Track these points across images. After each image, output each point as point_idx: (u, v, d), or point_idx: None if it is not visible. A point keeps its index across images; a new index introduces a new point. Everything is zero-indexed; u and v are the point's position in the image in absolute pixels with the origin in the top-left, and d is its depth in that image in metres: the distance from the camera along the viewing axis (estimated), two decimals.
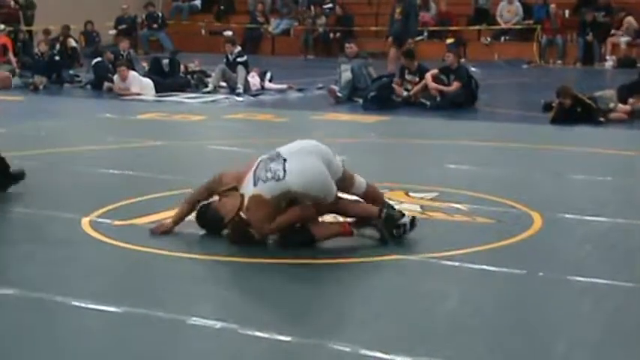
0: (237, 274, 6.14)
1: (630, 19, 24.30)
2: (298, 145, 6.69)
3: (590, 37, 24.52)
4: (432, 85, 15.57)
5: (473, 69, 16.19)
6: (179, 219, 6.86)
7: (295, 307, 5.54)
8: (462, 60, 18.98)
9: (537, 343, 4.86)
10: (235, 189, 6.60)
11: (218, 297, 5.72)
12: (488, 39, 26.19)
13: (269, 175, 6.40)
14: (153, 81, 17.69)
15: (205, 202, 6.83)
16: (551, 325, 5.18)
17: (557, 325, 5.20)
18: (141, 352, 4.78)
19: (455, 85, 15.49)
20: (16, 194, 8.24)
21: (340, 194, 6.76)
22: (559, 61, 25.03)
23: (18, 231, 7.23)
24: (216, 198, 6.80)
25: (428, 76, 15.77)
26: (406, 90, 15.84)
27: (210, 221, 6.74)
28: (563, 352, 4.76)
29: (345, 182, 6.76)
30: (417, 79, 15.89)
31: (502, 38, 26.15)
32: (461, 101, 15.39)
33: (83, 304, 5.42)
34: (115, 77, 17.78)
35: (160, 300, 5.54)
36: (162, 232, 6.80)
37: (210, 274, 6.16)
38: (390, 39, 18.33)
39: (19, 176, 8.29)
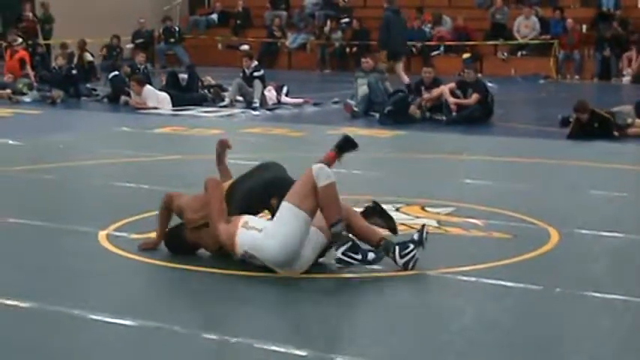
0: (254, 288, 6.12)
1: None
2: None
3: (607, 52, 24.47)
4: (451, 99, 15.57)
5: (489, 84, 16.16)
6: (162, 231, 6.85)
7: (310, 322, 5.54)
8: (479, 75, 18.97)
9: (553, 359, 4.85)
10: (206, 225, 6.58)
11: (234, 311, 5.72)
12: (505, 54, 26.15)
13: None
14: (170, 95, 17.73)
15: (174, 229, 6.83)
16: (567, 341, 5.17)
17: (574, 341, 5.19)
18: None
19: (474, 97, 15.46)
20: (33, 207, 8.27)
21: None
22: (576, 76, 24.96)
23: (35, 244, 7.25)
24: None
25: (446, 89, 15.75)
26: (420, 109, 15.81)
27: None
28: None
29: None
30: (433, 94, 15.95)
31: (519, 53, 26.10)
32: (478, 116, 15.37)
33: (100, 318, 5.44)
34: (132, 91, 17.84)
35: (177, 314, 5.55)
36: (149, 247, 6.80)
37: (227, 288, 6.16)
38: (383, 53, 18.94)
39: None
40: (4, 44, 22.92)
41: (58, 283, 6.16)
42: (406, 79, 18.18)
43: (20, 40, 22.60)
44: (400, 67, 19.04)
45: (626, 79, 23.76)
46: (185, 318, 5.47)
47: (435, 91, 15.92)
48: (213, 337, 5.12)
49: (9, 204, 8.09)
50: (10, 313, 5.62)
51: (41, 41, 25.32)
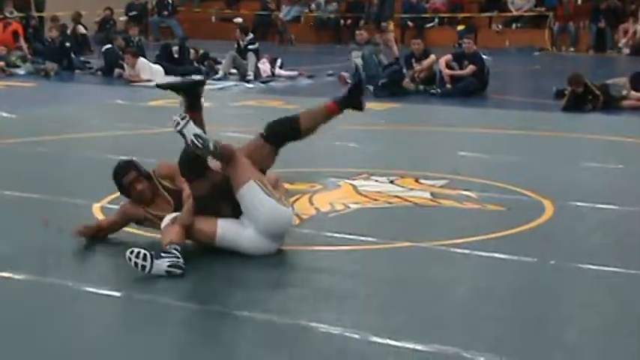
0: (249, 265, 6.11)
1: None
2: None
3: (602, 24, 24.41)
4: (446, 71, 15.55)
5: (484, 56, 16.14)
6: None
7: (307, 293, 5.53)
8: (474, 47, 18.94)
9: (548, 332, 4.85)
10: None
11: (229, 286, 5.71)
12: (500, 26, 26.09)
13: None
14: (163, 67, 17.69)
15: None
16: (562, 313, 5.17)
17: (569, 313, 5.19)
18: (146, 336, 4.79)
19: (470, 68, 15.44)
20: (27, 180, 8.25)
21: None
22: (571, 49, 24.92)
23: (29, 217, 7.23)
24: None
25: (441, 61, 15.74)
26: (413, 81, 15.80)
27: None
28: (574, 340, 4.75)
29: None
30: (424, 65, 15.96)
31: (513, 25, 26.05)
32: (473, 88, 15.35)
33: (94, 289, 5.44)
34: (126, 64, 17.79)
35: (172, 286, 5.55)
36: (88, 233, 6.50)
37: (221, 263, 6.14)
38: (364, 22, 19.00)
39: None
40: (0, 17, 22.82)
41: (52, 255, 6.14)
42: (396, 51, 18.12)
43: (14, 12, 22.51)
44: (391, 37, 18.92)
45: (626, 51, 23.70)
46: (179, 290, 5.47)
47: (426, 62, 15.93)
48: (209, 308, 5.12)
49: (2, 176, 8.06)
50: (4, 285, 5.62)
51: (34, 14, 25.20)
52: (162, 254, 5.72)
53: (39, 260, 6.07)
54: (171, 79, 6.00)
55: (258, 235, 6.01)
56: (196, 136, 5.85)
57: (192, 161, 6.05)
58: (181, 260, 5.72)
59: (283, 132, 6.28)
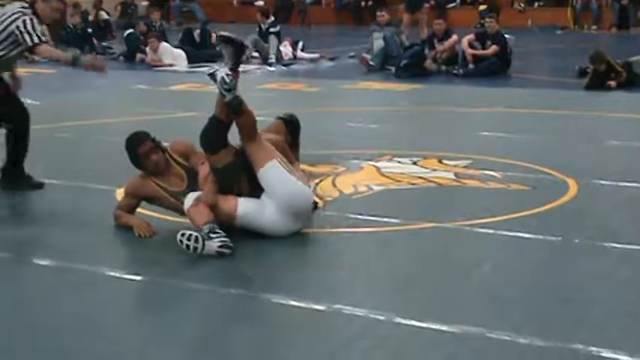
0: (280, 244, 6.12)
1: None
2: None
3: (625, 1, 24.23)
4: (469, 50, 15.51)
5: (507, 36, 16.07)
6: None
7: (326, 275, 5.54)
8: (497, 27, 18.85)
9: (573, 311, 4.84)
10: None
11: (253, 268, 5.73)
12: (522, 5, 25.96)
13: None
14: (185, 52, 17.71)
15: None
16: (587, 292, 5.16)
17: (593, 292, 5.17)
18: (169, 319, 4.81)
19: (492, 48, 15.39)
20: (51, 166, 8.28)
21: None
22: (594, 27, 24.76)
23: (54, 203, 7.27)
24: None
25: (464, 41, 15.69)
26: (435, 61, 15.77)
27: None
28: (599, 319, 4.73)
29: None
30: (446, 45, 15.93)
31: (535, 4, 25.92)
32: (495, 69, 15.29)
33: (117, 274, 5.47)
34: (148, 49, 17.82)
35: (193, 270, 5.57)
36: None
37: (250, 245, 6.16)
38: (403, 5, 18.55)
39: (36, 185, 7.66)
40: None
41: (77, 241, 6.18)
42: (409, 32, 17.98)
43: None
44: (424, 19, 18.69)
45: None
46: (201, 274, 5.49)
47: (448, 42, 15.92)
48: (232, 291, 5.14)
49: (26, 163, 8.06)
50: (29, 270, 5.66)
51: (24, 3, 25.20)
52: (212, 235, 5.75)
53: (61, 246, 6.11)
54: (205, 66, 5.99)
55: (280, 213, 6.03)
56: (227, 74, 5.92)
57: (214, 133, 6.08)
58: (229, 240, 5.75)
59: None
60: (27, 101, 7.96)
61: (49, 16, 7.45)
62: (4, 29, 7.23)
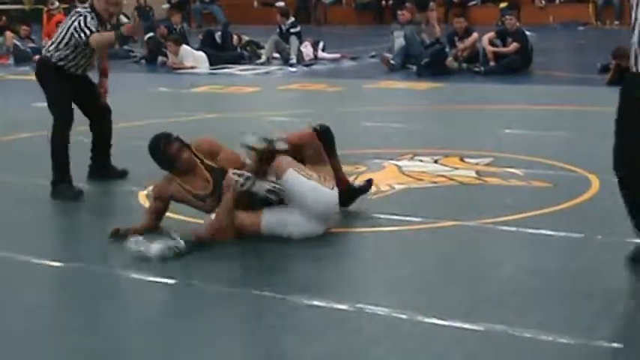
0: (303, 246, 6.14)
1: None
2: None
3: None
4: (489, 48, 15.49)
5: (528, 33, 16.04)
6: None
7: (349, 275, 5.56)
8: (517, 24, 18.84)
9: (596, 307, 4.83)
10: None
11: (276, 267, 5.75)
12: (543, 2, 25.88)
13: None
14: (206, 54, 17.76)
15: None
16: (609, 288, 5.15)
17: (616, 288, 5.16)
18: (197, 321, 4.84)
19: (513, 46, 15.37)
20: (73, 170, 8.32)
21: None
22: (616, 22, 24.64)
23: (79, 204, 7.31)
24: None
25: (485, 39, 15.68)
26: (456, 60, 15.78)
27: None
28: (622, 315, 4.73)
29: None
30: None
31: (557, 0, 25.82)
32: (516, 66, 15.27)
33: (143, 277, 5.50)
34: (168, 51, 17.88)
35: (215, 273, 5.59)
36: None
37: (269, 245, 6.17)
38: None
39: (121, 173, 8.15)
40: (45, 9, 23.05)
41: (102, 243, 6.20)
42: (438, 31, 17.95)
43: (57, 4, 22.68)
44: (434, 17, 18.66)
45: None
46: (223, 277, 5.52)
47: (469, 40, 15.92)
48: (257, 292, 5.17)
49: (50, 167, 8.11)
50: (55, 273, 5.71)
51: (77, 4, 25.35)
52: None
53: (86, 249, 6.15)
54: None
55: (305, 219, 6.05)
56: (269, 191, 6.03)
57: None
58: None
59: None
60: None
61: (106, 10, 7.63)
62: (66, 31, 7.54)
